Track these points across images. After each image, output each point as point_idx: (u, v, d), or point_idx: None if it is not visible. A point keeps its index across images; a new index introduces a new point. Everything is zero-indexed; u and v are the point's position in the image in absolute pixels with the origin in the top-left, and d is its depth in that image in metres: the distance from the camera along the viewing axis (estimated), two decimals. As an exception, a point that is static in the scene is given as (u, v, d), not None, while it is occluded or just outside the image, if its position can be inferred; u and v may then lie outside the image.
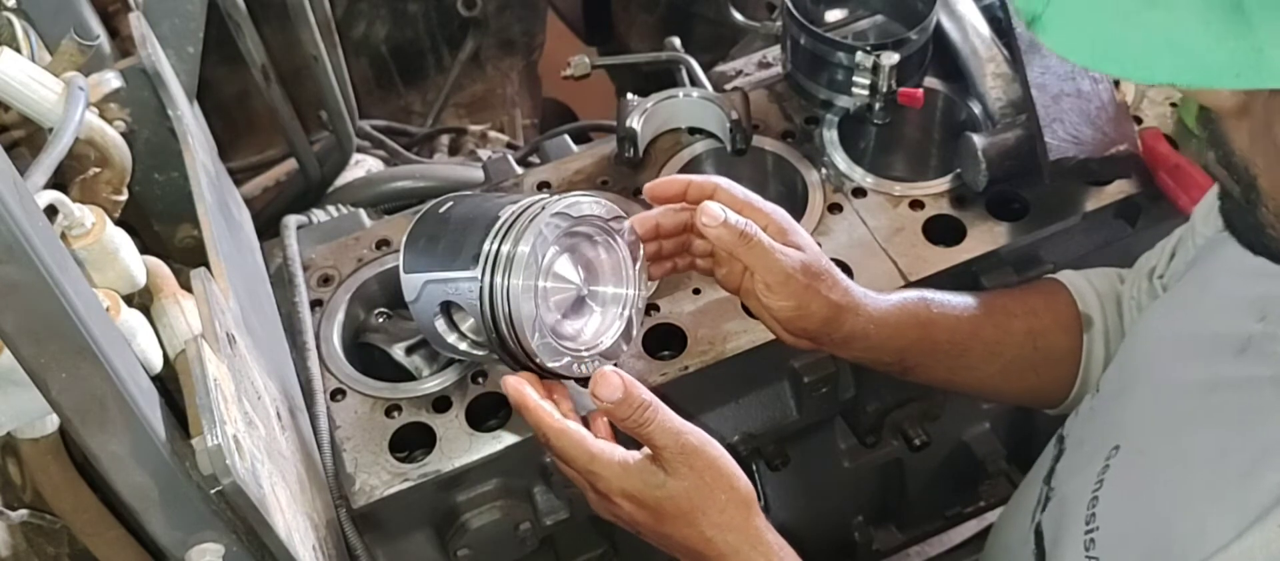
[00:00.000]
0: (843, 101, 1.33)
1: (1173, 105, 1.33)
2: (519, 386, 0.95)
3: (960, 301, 1.07)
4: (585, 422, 0.96)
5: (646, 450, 0.92)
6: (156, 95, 1.03)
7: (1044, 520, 0.93)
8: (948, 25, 1.35)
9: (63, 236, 0.77)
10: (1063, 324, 1.08)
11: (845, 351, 1.03)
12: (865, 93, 1.29)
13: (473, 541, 1.14)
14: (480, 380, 1.14)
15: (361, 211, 1.43)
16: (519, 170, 1.36)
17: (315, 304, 1.22)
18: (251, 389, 0.85)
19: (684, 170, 1.32)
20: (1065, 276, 1.12)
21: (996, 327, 1.07)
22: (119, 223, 0.83)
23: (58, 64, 0.92)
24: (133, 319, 0.76)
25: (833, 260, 1.20)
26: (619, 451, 0.93)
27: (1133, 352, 0.96)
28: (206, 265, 0.89)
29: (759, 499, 1.38)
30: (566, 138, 1.46)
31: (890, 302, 1.03)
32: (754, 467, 1.37)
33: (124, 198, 0.95)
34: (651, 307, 1.18)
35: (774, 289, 0.98)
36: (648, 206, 1.27)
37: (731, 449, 1.24)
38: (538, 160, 1.49)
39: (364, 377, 1.15)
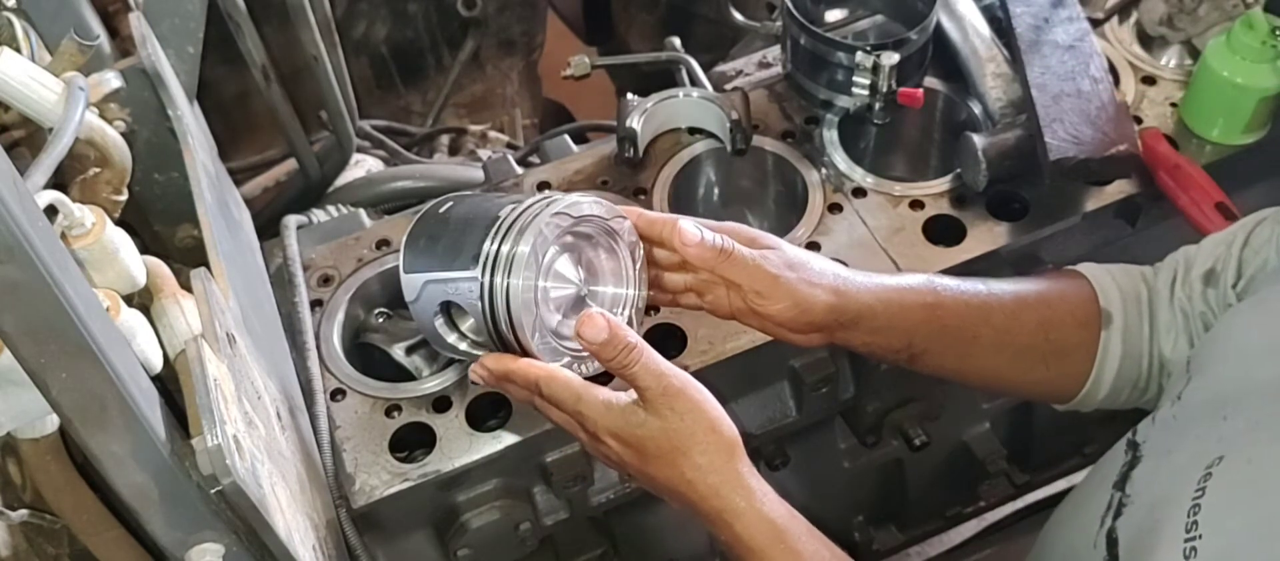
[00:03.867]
0: (843, 101, 1.33)
1: (1173, 105, 1.33)
2: (497, 357, 0.95)
3: (971, 286, 1.04)
4: None
5: (632, 392, 0.93)
6: (156, 95, 1.03)
7: (1119, 527, 0.90)
8: (948, 25, 1.35)
9: (63, 236, 0.77)
10: (1079, 317, 1.05)
11: (855, 336, 1.01)
12: (865, 93, 1.29)
13: (473, 541, 1.14)
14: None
15: (361, 211, 1.43)
16: (519, 170, 1.36)
17: (315, 304, 1.22)
18: (251, 389, 0.85)
19: (684, 170, 1.32)
20: (1087, 269, 1.08)
21: (1007, 315, 1.04)
22: (119, 223, 0.83)
23: (58, 64, 0.92)
24: (133, 319, 0.76)
25: (833, 260, 1.21)
26: (603, 391, 0.93)
27: (1224, 361, 0.92)
28: (206, 265, 0.89)
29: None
30: (566, 138, 1.46)
31: (896, 283, 1.01)
32: (754, 467, 1.37)
33: (124, 198, 0.95)
34: (651, 308, 1.18)
35: (766, 294, 0.96)
36: (648, 207, 1.27)
37: (731, 449, 1.25)
38: (538, 160, 1.49)
39: (364, 377, 1.15)
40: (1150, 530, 0.86)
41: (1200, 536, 0.80)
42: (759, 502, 0.92)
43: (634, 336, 0.92)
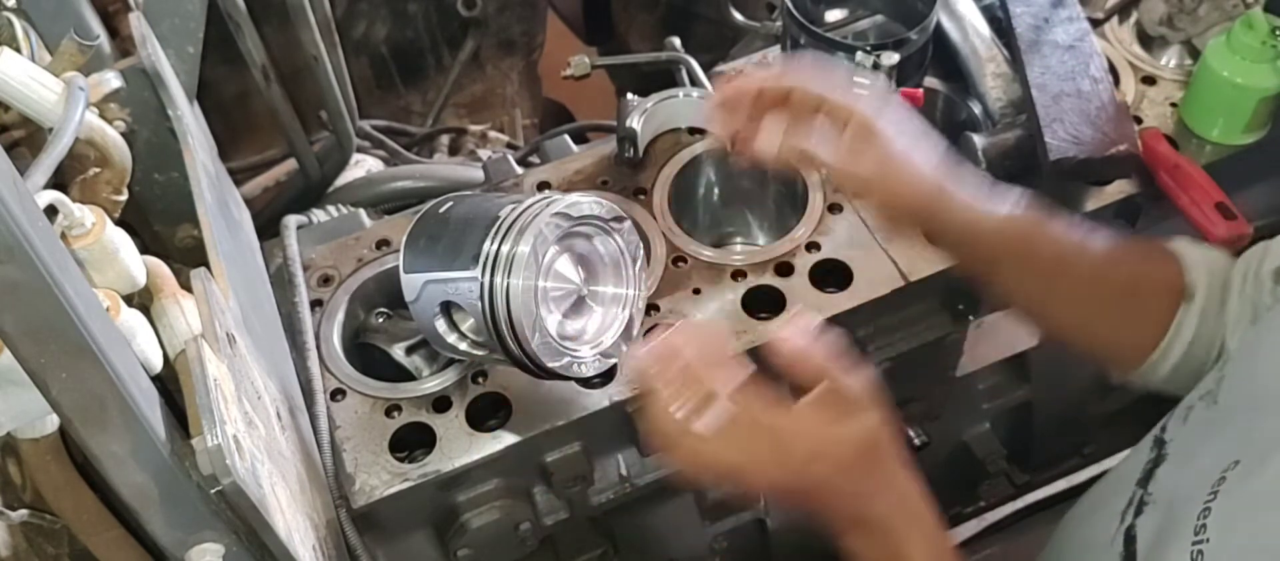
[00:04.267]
0: None
1: (1173, 105, 1.33)
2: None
3: (1070, 229, 1.04)
4: None
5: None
6: (156, 95, 1.03)
7: (1139, 525, 0.89)
8: (948, 25, 1.35)
9: (63, 236, 0.77)
10: (1163, 286, 1.02)
11: (949, 234, 1.03)
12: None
13: (473, 541, 1.14)
14: (480, 380, 1.14)
15: (361, 211, 1.43)
16: (519, 170, 1.36)
17: (315, 304, 1.22)
18: (251, 389, 0.85)
19: (684, 170, 1.32)
20: (1180, 244, 1.06)
21: (1097, 266, 1.03)
22: (119, 223, 0.83)
23: (58, 64, 0.92)
24: (133, 319, 0.76)
25: (832, 259, 1.21)
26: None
27: (1259, 362, 0.91)
28: (206, 265, 0.89)
29: (759, 499, 1.38)
30: (566, 138, 1.46)
31: (1002, 205, 1.02)
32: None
33: (124, 198, 0.95)
34: (651, 307, 1.18)
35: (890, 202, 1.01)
36: (648, 207, 1.27)
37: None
38: (538, 160, 1.49)
39: (364, 377, 1.15)
40: (1166, 528, 0.85)
41: (1207, 539, 0.79)
42: (934, 522, 0.90)
43: (821, 342, 0.89)
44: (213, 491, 0.70)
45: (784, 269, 1.21)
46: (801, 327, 0.89)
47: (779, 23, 1.40)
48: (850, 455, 0.87)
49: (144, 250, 0.84)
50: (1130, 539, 0.89)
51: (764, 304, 1.19)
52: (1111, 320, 1.05)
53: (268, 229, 1.32)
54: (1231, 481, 0.81)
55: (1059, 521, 1.12)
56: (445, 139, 1.98)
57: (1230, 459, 0.82)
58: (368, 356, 1.20)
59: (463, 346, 1.08)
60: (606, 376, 1.12)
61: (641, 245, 1.09)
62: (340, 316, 1.21)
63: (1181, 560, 0.80)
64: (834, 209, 1.26)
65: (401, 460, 1.09)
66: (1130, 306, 1.04)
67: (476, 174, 1.57)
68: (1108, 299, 1.04)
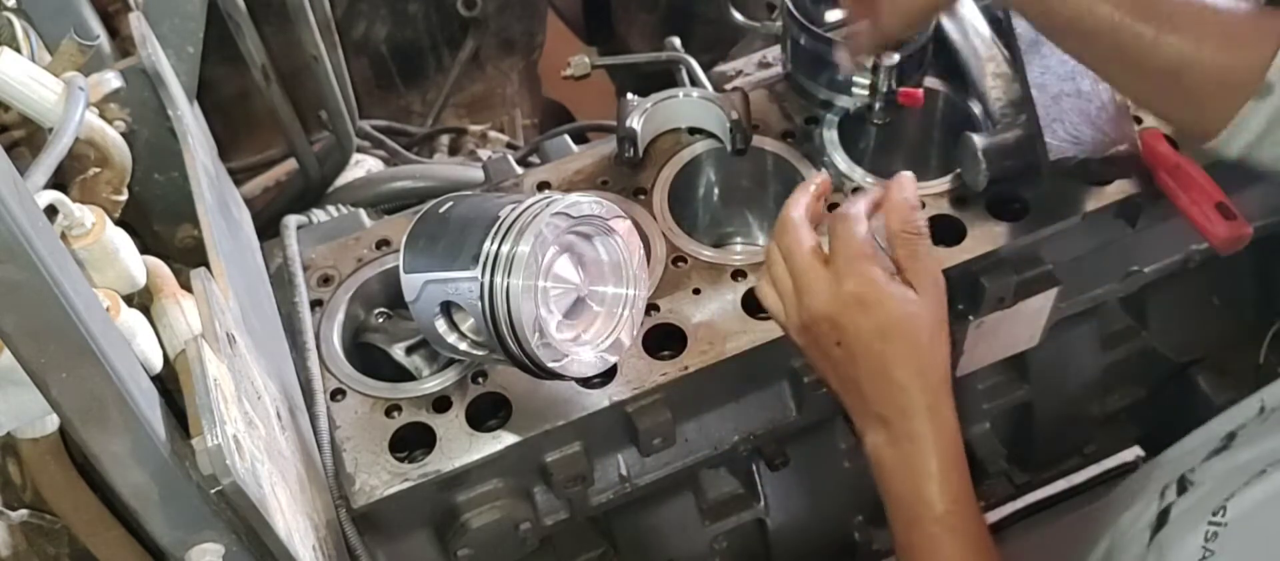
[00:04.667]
0: (843, 101, 1.33)
1: (1173, 105, 1.33)
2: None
3: None
4: None
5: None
6: (156, 95, 1.03)
7: (1177, 505, 0.89)
8: (948, 25, 1.35)
9: (63, 236, 0.77)
10: (1218, 76, 0.98)
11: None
12: (865, 93, 1.29)
13: (473, 541, 1.14)
14: (480, 380, 1.14)
15: (361, 211, 1.43)
16: (519, 170, 1.36)
17: (315, 304, 1.22)
18: (251, 389, 0.85)
19: (684, 170, 1.32)
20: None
21: (1146, 42, 0.99)
22: (119, 223, 0.83)
23: (58, 64, 0.92)
24: (133, 319, 0.76)
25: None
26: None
27: None
28: (206, 265, 0.89)
29: (759, 499, 1.39)
30: (566, 138, 1.46)
31: None
32: (754, 467, 1.37)
33: (124, 198, 0.95)
34: (651, 307, 1.18)
35: None
36: (648, 207, 1.27)
37: (732, 449, 1.25)
38: (538, 160, 1.49)
39: (364, 377, 1.15)
40: (1194, 507, 0.85)
41: (1225, 523, 0.79)
42: (954, 423, 0.96)
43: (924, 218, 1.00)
44: (213, 491, 0.70)
45: (784, 269, 1.21)
46: (907, 184, 1.00)
47: (779, 23, 1.40)
48: (867, 332, 0.97)
49: (144, 250, 0.84)
50: (1164, 514, 0.89)
51: (764, 304, 1.19)
52: (1161, 102, 1.06)
53: (268, 229, 1.32)
54: (1269, 475, 0.80)
55: (1059, 521, 1.11)
56: (445, 139, 1.98)
57: (1273, 458, 0.82)
58: (368, 356, 1.20)
59: (463, 346, 1.08)
60: (606, 376, 1.12)
61: (641, 244, 1.09)
62: (340, 316, 1.21)
63: (1197, 538, 0.80)
64: (834, 209, 1.26)
65: (401, 460, 1.09)
66: (1175, 93, 1.02)
67: (476, 174, 1.57)
68: (1153, 77, 1.02)
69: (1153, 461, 1.02)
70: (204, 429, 0.69)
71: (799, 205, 1.04)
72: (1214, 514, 0.80)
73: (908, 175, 1.02)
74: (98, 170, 0.92)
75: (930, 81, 1.37)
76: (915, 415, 0.96)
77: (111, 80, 0.97)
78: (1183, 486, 0.90)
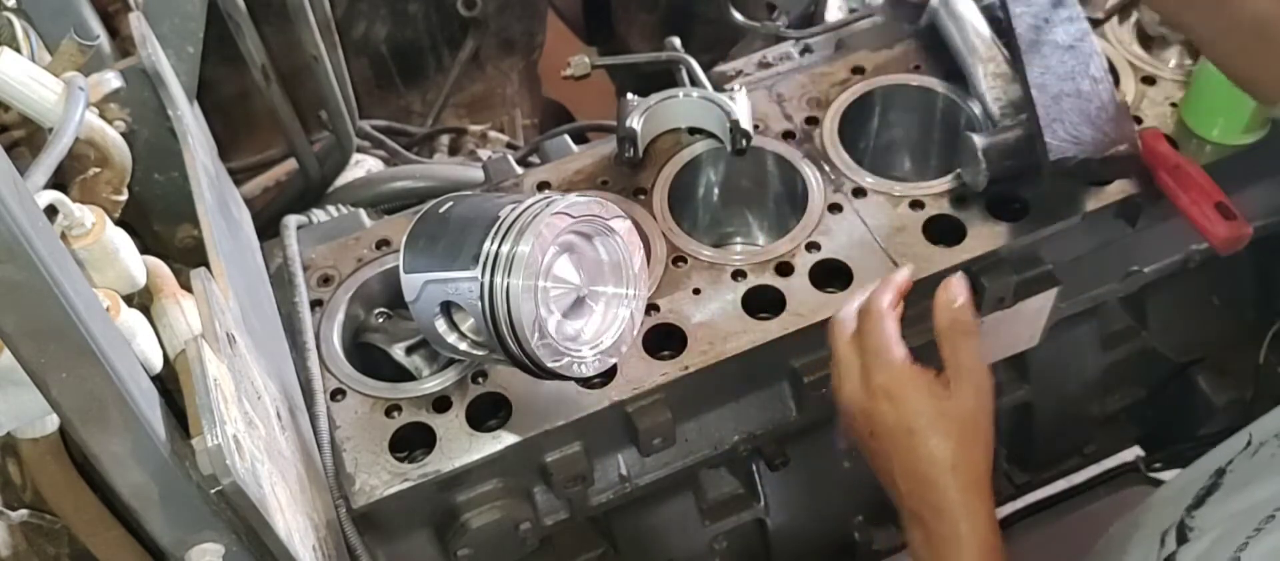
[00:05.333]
0: None
1: (1173, 105, 1.33)
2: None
3: None
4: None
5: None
6: (156, 95, 1.03)
7: (1181, 554, 0.88)
8: (948, 25, 1.35)
9: (63, 236, 0.77)
10: None
11: None
12: None
13: (473, 541, 1.14)
14: (480, 380, 1.14)
15: (361, 211, 1.42)
16: (519, 170, 1.36)
17: (315, 304, 1.22)
18: (251, 389, 0.85)
19: (684, 170, 1.32)
20: None
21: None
22: (119, 223, 0.83)
23: (58, 64, 0.92)
24: (133, 319, 0.76)
25: (832, 259, 1.21)
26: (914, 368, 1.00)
27: None
28: (206, 265, 0.89)
29: (759, 499, 1.39)
30: (566, 138, 1.46)
31: None
32: (754, 467, 1.37)
33: (124, 198, 0.95)
34: (651, 308, 1.18)
35: None
36: (648, 207, 1.27)
37: (732, 449, 1.25)
38: (538, 160, 1.49)
39: (364, 377, 1.15)
40: (1203, 558, 0.83)
41: None
42: (992, 522, 0.94)
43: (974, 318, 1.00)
44: (213, 491, 0.70)
45: (784, 269, 1.21)
46: (959, 285, 1.01)
47: (779, 22, 1.40)
48: (894, 426, 0.97)
49: (144, 250, 0.84)
50: None
51: (764, 304, 1.19)
52: (1244, 60, 1.06)
53: (268, 229, 1.32)
54: (1268, 532, 0.79)
55: (1059, 521, 1.11)
56: (445, 139, 1.98)
57: (1274, 507, 0.80)
58: (368, 356, 1.20)
59: (463, 346, 1.08)
60: (606, 376, 1.12)
61: (641, 245, 1.09)
62: (340, 316, 1.21)
63: None
64: (834, 209, 1.26)
65: (401, 460, 1.09)
66: (1259, 49, 1.03)
67: (476, 174, 1.57)
68: (1238, 32, 1.03)
69: (1146, 502, 1.02)
70: (204, 429, 0.69)
71: (882, 298, 1.04)
72: None
73: (958, 278, 1.03)
74: (98, 170, 0.92)
75: (930, 81, 1.37)
76: (948, 515, 0.95)
77: (111, 80, 0.97)
78: (1183, 535, 0.89)
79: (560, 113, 2.26)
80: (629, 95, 1.33)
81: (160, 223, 1.11)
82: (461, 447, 1.09)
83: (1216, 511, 0.89)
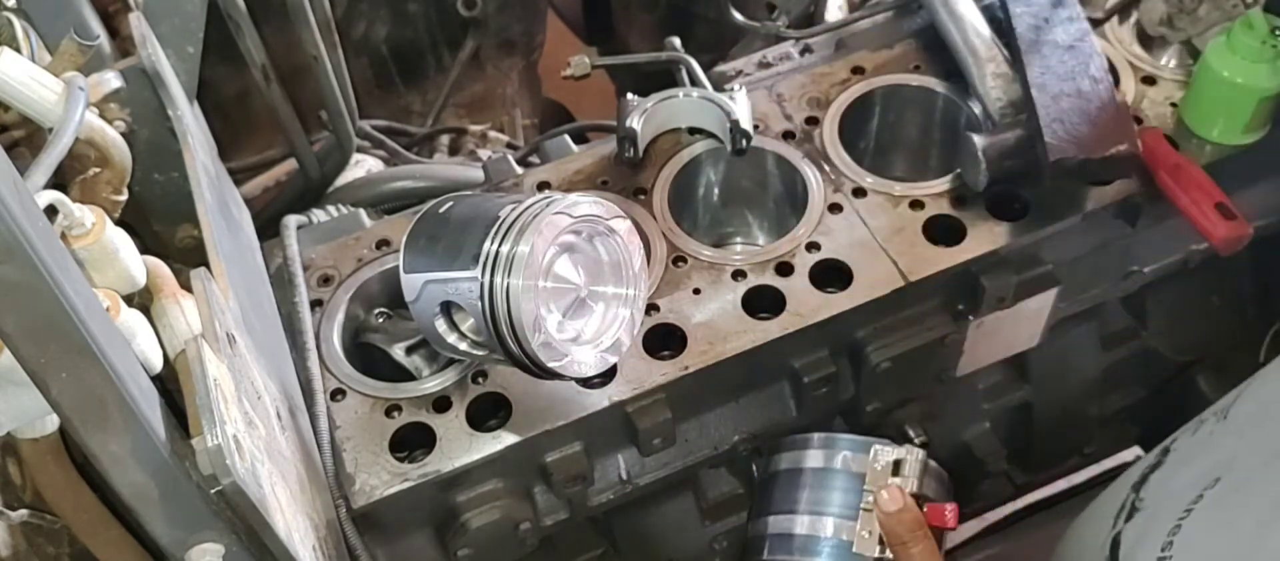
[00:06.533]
0: None
1: (1173, 105, 1.33)
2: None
3: None
4: None
5: None
6: (156, 95, 1.03)
7: (1125, 531, 0.91)
8: (948, 25, 1.35)
9: (63, 236, 0.77)
10: None
11: None
12: None
13: (473, 541, 1.14)
14: (480, 380, 1.14)
15: (361, 211, 1.42)
16: (519, 170, 1.36)
17: (315, 304, 1.22)
18: (251, 389, 0.85)
19: (684, 170, 1.32)
20: None
21: None
22: (119, 223, 0.83)
23: (58, 64, 0.92)
24: (133, 319, 0.76)
25: (832, 259, 1.21)
26: None
27: (1276, 392, 0.91)
28: (206, 265, 0.89)
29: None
30: (566, 138, 1.46)
31: None
32: (754, 467, 1.37)
33: (124, 198, 0.95)
34: (651, 308, 1.18)
35: None
36: (648, 207, 1.27)
37: (731, 449, 1.25)
38: (538, 160, 1.49)
39: (364, 377, 1.15)
40: (1143, 538, 0.86)
41: (1171, 556, 0.80)
42: None
43: (923, 522, 1.05)
44: (213, 491, 0.70)
45: (784, 269, 1.21)
46: (895, 494, 1.07)
47: (779, 22, 1.40)
48: None
49: (144, 250, 0.84)
50: (1115, 544, 0.90)
51: (764, 304, 1.19)
52: None
53: (268, 229, 1.32)
54: (1207, 499, 0.81)
55: (1059, 521, 1.12)
56: (445, 139, 1.98)
57: (1213, 476, 0.82)
58: (368, 356, 1.20)
59: (463, 346, 1.08)
60: (606, 376, 1.12)
61: (641, 244, 1.09)
62: (340, 316, 1.21)
63: None
64: (834, 209, 1.26)
65: (401, 460, 1.09)
66: None
67: (476, 174, 1.57)
68: None
69: (1102, 492, 1.05)
70: (204, 429, 0.69)
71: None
72: (1162, 550, 0.81)
73: (894, 487, 1.09)
74: (98, 170, 0.92)
75: (930, 81, 1.37)
76: None
77: (111, 80, 0.97)
78: (1131, 512, 0.91)
79: (560, 113, 2.26)
80: (629, 95, 1.33)
81: (160, 223, 1.12)
82: (461, 447, 1.09)
83: (1159, 488, 0.91)
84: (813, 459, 1.15)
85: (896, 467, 1.11)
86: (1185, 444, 0.94)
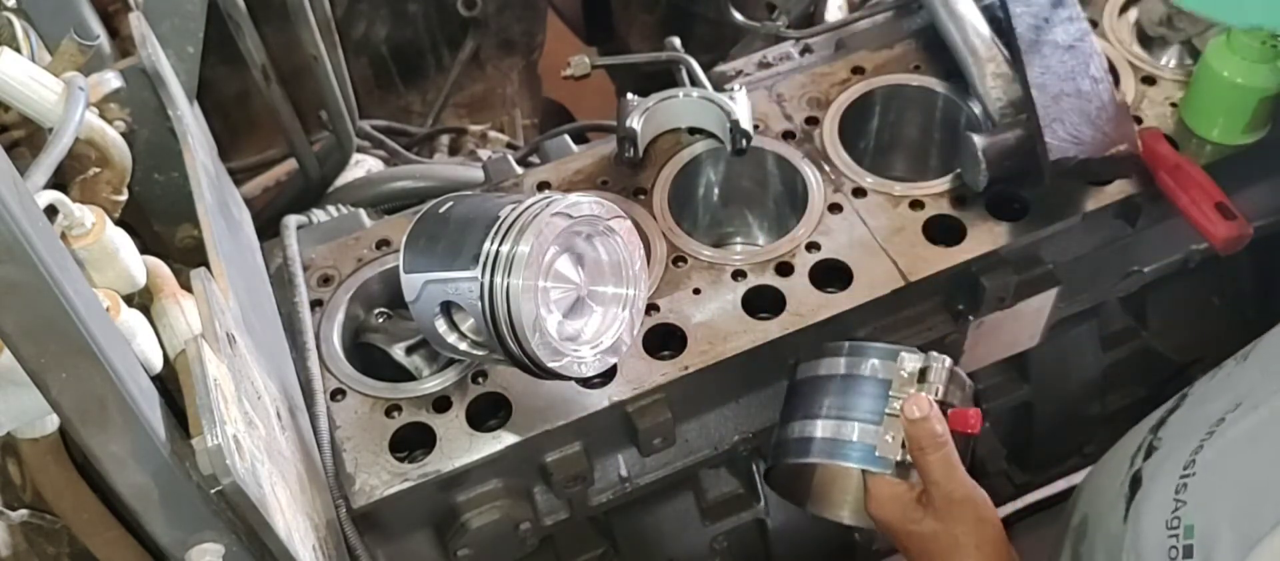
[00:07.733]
0: None
1: (1173, 105, 1.33)
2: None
3: None
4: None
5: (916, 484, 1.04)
6: (156, 95, 1.03)
7: (1145, 468, 0.92)
8: (948, 25, 1.35)
9: (63, 236, 0.77)
10: None
11: None
12: None
13: (473, 541, 1.14)
14: (480, 380, 1.14)
15: (361, 211, 1.42)
16: (519, 170, 1.36)
17: (315, 304, 1.22)
18: (251, 389, 0.85)
19: (684, 170, 1.32)
20: None
21: None
22: (119, 223, 0.83)
23: (58, 64, 0.92)
24: (133, 319, 0.76)
25: (832, 259, 1.21)
26: (891, 482, 1.07)
27: None
28: (206, 265, 0.89)
29: (759, 499, 1.38)
30: (566, 138, 1.46)
31: None
32: (754, 467, 1.37)
33: (124, 198, 0.95)
34: (651, 307, 1.18)
35: None
36: (648, 207, 1.27)
37: (731, 449, 1.25)
38: (538, 160, 1.49)
39: (364, 377, 1.15)
40: (1162, 465, 0.88)
41: (1194, 473, 0.82)
42: None
43: (944, 432, 1.03)
44: (213, 491, 0.70)
45: (784, 269, 1.21)
46: (922, 401, 1.05)
47: (779, 22, 1.40)
48: (910, 551, 1.05)
49: (144, 250, 0.84)
50: (1136, 481, 0.90)
51: (764, 304, 1.19)
52: None
53: (268, 229, 1.32)
54: (1228, 421, 0.83)
55: (1059, 521, 1.13)
56: (445, 139, 1.98)
57: (1233, 402, 0.84)
58: (368, 356, 1.20)
59: (463, 346, 1.08)
60: (606, 376, 1.12)
61: (641, 244, 1.09)
62: (340, 316, 1.21)
63: (1168, 491, 0.83)
64: (834, 209, 1.26)
65: (401, 460, 1.09)
66: None
67: (476, 174, 1.57)
68: None
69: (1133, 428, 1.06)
70: (204, 429, 0.69)
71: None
72: (1184, 469, 0.83)
73: (922, 397, 1.07)
74: (98, 170, 0.92)
75: (930, 81, 1.37)
76: None
77: (111, 80, 0.97)
78: (1150, 451, 0.93)
79: (560, 113, 2.26)
80: (629, 95, 1.33)
81: (160, 223, 1.12)
82: (461, 447, 1.09)
83: (1178, 426, 0.93)
84: (840, 366, 1.14)
85: (922, 375, 1.10)
86: (1203, 387, 0.96)
